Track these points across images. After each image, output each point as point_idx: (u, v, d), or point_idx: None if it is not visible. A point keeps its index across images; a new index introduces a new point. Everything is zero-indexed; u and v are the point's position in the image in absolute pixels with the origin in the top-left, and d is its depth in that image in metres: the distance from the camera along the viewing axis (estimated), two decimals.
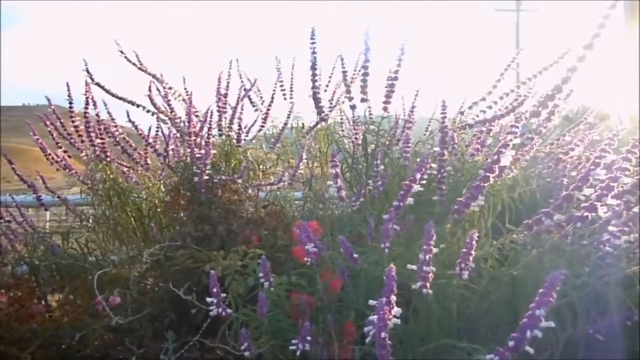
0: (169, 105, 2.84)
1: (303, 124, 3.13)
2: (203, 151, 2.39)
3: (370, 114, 2.69)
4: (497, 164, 1.29)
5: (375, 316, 0.98)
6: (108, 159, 2.76)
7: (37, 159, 3.36)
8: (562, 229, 1.25)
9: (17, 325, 1.83)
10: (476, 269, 1.44)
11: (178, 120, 2.78)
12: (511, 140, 1.30)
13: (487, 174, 1.30)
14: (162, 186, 2.89)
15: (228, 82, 2.81)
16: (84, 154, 2.81)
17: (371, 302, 1.00)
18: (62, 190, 2.95)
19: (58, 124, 2.81)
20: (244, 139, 2.85)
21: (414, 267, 1.19)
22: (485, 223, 1.70)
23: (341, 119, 3.04)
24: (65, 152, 2.82)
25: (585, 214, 1.21)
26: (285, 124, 2.85)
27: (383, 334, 0.94)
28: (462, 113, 2.30)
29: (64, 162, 2.80)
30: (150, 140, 2.85)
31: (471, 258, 1.22)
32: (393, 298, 0.97)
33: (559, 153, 1.80)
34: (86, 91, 2.66)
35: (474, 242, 1.21)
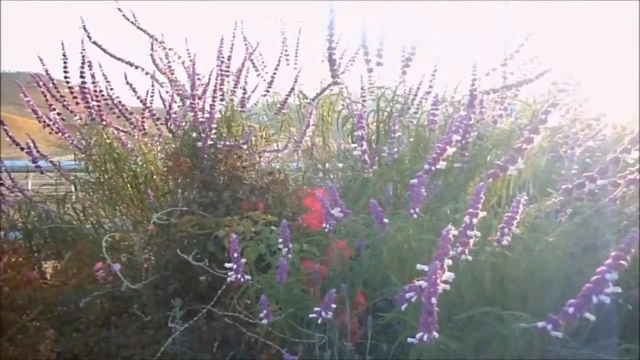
0: (170, 67, 2.71)
1: (304, 94, 3.02)
2: (207, 115, 2.27)
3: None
4: (544, 124, 1.21)
5: (423, 281, 0.90)
6: (104, 123, 2.63)
7: (19, 128, 3.23)
8: (610, 193, 1.18)
9: (13, 292, 1.74)
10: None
11: (179, 83, 2.66)
12: (562, 99, 1.22)
13: (532, 135, 1.22)
14: (159, 152, 2.78)
15: (232, 45, 2.68)
16: (77, 117, 2.68)
17: (419, 266, 0.92)
18: (54, 156, 2.81)
19: (51, 85, 2.67)
20: (246, 105, 2.74)
21: (455, 232, 1.12)
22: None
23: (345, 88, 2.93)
24: (59, 114, 2.68)
25: (638, 176, 1.14)
26: (292, 89, 2.74)
27: (433, 300, 0.86)
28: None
29: (57, 125, 2.66)
30: (148, 104, 2.73)
31: (515, 222, 1.14)
32: (448, 262, 0.90)
33: (589, 119, 1.72)
34: (82, 49, 2.51)
35: (520, 206, 1.13)
